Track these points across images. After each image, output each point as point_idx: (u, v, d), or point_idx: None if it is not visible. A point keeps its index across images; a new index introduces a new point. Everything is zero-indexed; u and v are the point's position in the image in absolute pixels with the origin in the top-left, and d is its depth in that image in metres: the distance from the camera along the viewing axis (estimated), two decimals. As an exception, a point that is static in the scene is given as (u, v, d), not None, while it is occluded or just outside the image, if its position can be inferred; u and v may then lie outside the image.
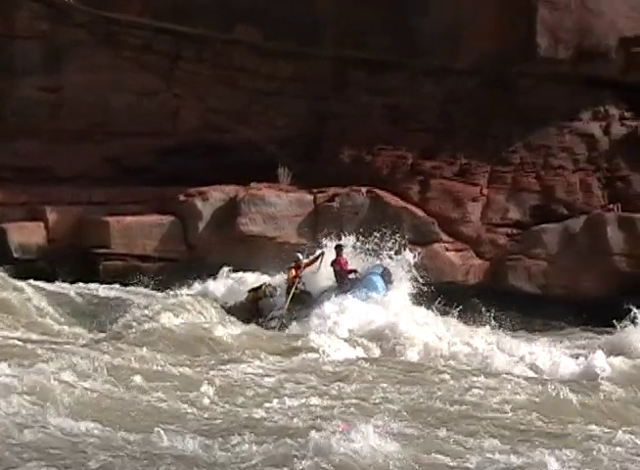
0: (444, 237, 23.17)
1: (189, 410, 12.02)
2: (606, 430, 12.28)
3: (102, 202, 24.24)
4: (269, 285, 20.04)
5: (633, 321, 19.23)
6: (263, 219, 23.47)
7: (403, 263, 19.78)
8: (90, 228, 23.76)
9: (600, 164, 23.77)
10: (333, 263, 19.89)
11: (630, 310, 19.31)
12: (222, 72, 25.17)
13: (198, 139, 24.86)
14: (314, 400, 12.75)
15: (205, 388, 12.86)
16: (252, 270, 21.85)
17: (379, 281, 19.34)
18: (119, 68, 25.28)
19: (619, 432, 11.95)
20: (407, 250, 20.27)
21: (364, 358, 15.84)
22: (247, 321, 18.77)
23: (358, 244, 20.39)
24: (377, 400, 13.02)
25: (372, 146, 24.09)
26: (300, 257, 20.03)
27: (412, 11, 23.86)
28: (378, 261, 19.92)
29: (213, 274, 21.80)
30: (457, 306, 19.21)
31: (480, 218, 23.50)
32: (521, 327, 20.36)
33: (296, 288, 19.41)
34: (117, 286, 22.31)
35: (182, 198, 23.86)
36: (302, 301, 19.40)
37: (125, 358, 13.99)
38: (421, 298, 19.38)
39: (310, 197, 23.69)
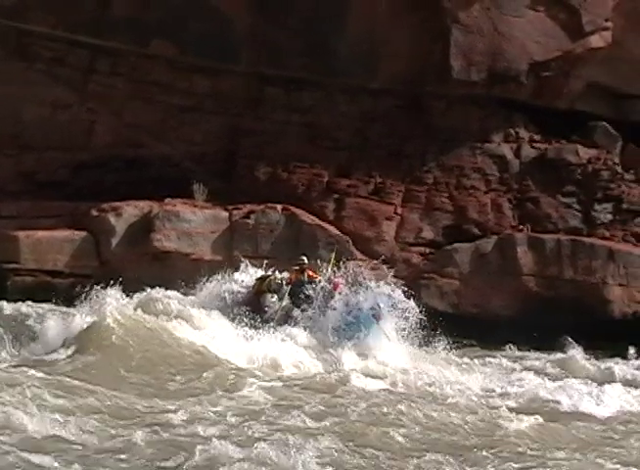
0: (359, 255, 23.37)
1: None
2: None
3: (12, 216, 23.80)
4: (275, 278, 19.18)
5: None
6: (178, 236, 23.36)
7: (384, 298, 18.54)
8: (-1, 243, 23.37)
9: (511, 186, 24.30)
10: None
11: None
12: (138, 87, 25.01)
13: (112, 154, 24.65)
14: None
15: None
16: (167, 287, 21.65)
17: (367, 317, 17.99)
18: (32, 80, 24.90)
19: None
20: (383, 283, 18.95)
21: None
22: (248, 315, 18.22)
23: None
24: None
25: (288, 163, 24.20)
26: (305, 260, 19.44)
27: (329, 30, 24.11)
28: (376, 295, 18.54)
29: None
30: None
31: (395, 237, 23.80)
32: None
33: (293, 291, 18.86)
34: (28, 303, 21.86)
35: (95, 213, 23.59)
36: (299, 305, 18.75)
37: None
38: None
39: (226, 214, 23.66)
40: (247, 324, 17.89)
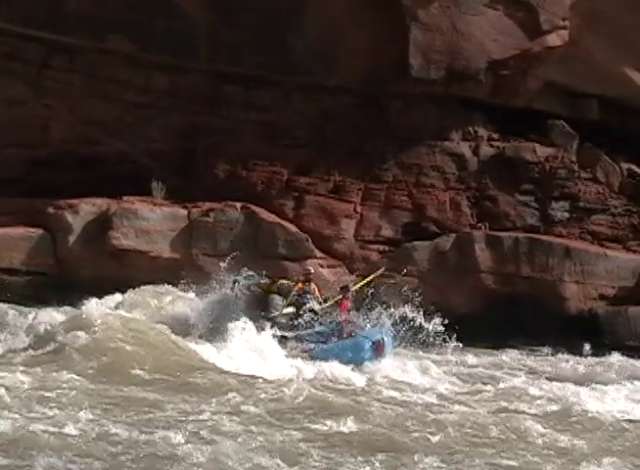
0: (318, 253, 23.37)
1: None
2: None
3: (-34, 213, 23.53)
4: (285, 283, 19.14)
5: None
6: (136, 233, 23.19)
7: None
8: (-48, 240, 23.03)
9: (469, 184, 24.40)
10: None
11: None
12: (94, 83, 24.71)
13: (69, 151, 24.35)
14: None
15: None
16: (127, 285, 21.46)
17: (367, 348, 17.50)
18: (-15, 75, 24.59)
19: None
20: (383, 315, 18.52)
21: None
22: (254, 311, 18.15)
23: None
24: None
25: (247, 161, 24.11)
26: (312, 270, 19.55)
27: (287, 28, 23.99)
28: (383, 324, 18.33)
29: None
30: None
31: (354, 235, 23.81)
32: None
33: (298, 301, 18.66)
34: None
35: (51, 210, 23.34)
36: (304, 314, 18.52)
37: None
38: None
39: (184, 211, 23.53)
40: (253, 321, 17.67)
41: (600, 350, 21.83)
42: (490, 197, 24.29)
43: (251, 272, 19.44)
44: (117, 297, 20.03)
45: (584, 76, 24.81)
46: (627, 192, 24.95)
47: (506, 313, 22.25)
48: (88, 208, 23.45)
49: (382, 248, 23.76)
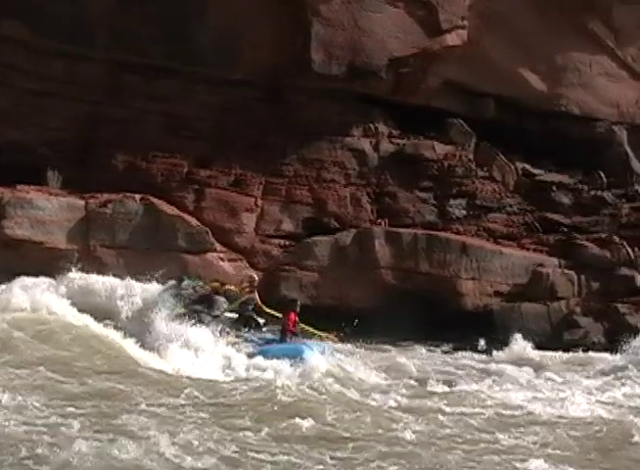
0: (218, 247, 23.22)
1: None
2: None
3: None
4: (233, 290, 19.53)
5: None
6: (31, 224, 22.65)
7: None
8: None
9: (370, 180, 24.56)
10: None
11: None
12: (-11, 70, 24.10)
13: (-39, 138, 23.69)
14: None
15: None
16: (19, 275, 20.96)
17: (306, 353, 17.79)
18: None
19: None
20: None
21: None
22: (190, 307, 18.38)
23: None
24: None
25: (147, 153, 23.79)
26: (256, 278, 19.99)
27: (190, 19, 23.77)
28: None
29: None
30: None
31: (255, 229, 23.74)
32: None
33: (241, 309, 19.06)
34: None
35: (-59, 199, 22.67)
36: (247, 324, 18.98)
37: None
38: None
39: (82, 202, 23.06)
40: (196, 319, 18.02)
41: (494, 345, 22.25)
42: (390, 193, 24.48)
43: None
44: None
45: (482, 76, 25.22)
46: (522, 191, 25.44)
47: (405, 309, 22.38)
48: (-19, 196, 22.83)
49: (282, 242, 23.75)
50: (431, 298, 23.05)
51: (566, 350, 22.03)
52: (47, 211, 22.81)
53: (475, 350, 22.22)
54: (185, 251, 22.85)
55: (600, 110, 26.26)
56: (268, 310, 19.28)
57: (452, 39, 25.11)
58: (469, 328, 22.54)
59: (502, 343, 21.94)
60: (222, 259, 23.12)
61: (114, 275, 21.17)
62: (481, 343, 22.54)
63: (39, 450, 10.77)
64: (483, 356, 21.44)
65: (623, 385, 18.20)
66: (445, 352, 21.85)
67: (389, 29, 24.62)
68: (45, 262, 21.65)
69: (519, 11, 25.39)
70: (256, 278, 20.14)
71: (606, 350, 22.26)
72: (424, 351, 21.79)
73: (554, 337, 22.98)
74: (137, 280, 20.54)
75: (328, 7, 24.15)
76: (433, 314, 22.56)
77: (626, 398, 17.01)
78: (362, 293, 23.26)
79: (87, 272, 21.19)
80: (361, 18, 24.35)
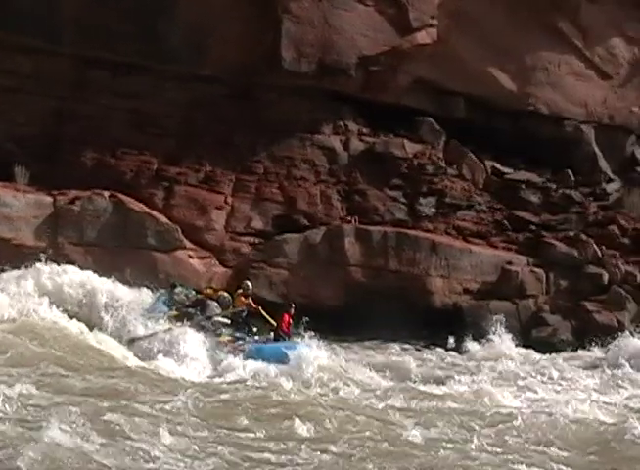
0: (188, 244, 23.11)
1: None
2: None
3: None
4: (226, 296, 19.72)
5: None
6: (-2, 220, 22.42)
7: None
8: None
9: (340, 178, 24.54)
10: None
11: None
12: (-46, 65, 23.77)
13: None
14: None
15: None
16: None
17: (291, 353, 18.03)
18: None
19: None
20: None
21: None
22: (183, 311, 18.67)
23: None
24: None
25: (115, 149, 23.62)
26: (250, 285, 19.97)
27: (159, 15, 23.59)
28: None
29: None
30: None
31: (225, 227, 23.65)
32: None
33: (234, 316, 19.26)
34: None
35: None
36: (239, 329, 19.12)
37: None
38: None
39: (50, 199, 22.83)
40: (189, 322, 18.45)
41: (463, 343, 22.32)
42: (360, 191, 24.47)
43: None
44: None
45: (452, 75, 25.26)
46: (491, 189, 25.54)
47: (374, 306, 22.41)
48: (-54, 193, 22.55)
49: (252, 240, 23.67)
50: (400, 295, 23.10)
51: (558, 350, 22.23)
52: (14, 207, 22.57)
53: (444, 347, 22.31)
54: (154, 248, 22.72)
55: (568, 109, 26.40)
56: (265, 315, 19.45)
57: (422, 38, 25.15)
58: (438, 326, 22.61)
59: (477, 341, 22.05)
60: (192, 257, 23.01)
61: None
62: (451, 340, 22.64)
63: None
64: (463, 355, 21.51)
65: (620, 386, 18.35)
66: (418, 350, 21.87)
67: (360, 27, 24.61)
68: (12, 259, 21.38)
69: (488, 10, 25.47)
70: (250, 286, 20.08)
71: (574, 348, 22.46)
72: (398, 348, 21.80)
73: (522, 334, 23.07)
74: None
75: (298, 4, 24.11)
76: (402, 312, 22.57)
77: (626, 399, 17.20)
78: (332, 291, 23.26)
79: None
80: (331, 15, 24.33)
